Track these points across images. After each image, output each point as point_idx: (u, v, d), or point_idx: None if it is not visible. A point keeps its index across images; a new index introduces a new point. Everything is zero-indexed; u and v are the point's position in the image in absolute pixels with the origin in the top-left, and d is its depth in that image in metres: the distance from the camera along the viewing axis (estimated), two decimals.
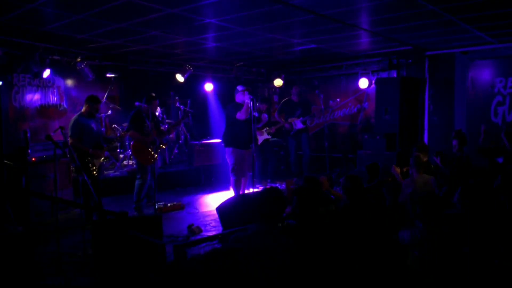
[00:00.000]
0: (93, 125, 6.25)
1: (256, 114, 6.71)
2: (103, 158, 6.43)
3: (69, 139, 5.93)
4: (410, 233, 3.43)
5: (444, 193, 5.27)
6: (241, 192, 6.81)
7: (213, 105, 11.40)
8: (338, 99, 9.35)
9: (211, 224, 6.30)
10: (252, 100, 6.49)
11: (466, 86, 8.34)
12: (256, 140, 8.30)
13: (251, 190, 7.01)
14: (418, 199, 3.70)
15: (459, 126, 8.11)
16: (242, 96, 6.80)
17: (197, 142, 9.56)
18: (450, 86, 8.54)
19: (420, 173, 5.13)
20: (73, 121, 6.12)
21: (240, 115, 6.68)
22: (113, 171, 8.59)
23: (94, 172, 6.16)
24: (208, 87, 10.46)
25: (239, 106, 6.77)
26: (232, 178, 6.96)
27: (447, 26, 6.48)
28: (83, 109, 6.24)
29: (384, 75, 9.48)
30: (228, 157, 6.96)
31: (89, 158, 6.08)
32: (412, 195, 4.80)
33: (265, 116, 8.33)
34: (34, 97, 8.37)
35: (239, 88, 6.92)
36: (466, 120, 8.33)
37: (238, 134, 6.81)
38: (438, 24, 6.37)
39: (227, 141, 7.01)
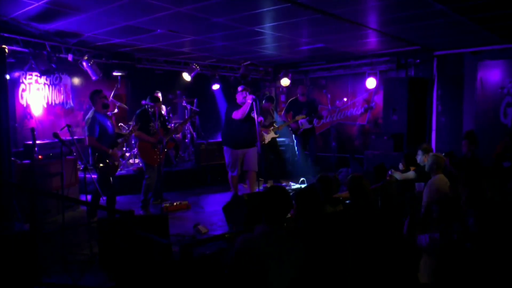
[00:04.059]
0: (108, 123, 6.08)
1: (259, 118, 6.74)
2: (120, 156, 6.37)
3: (87, 138, 5.79)
4: (429, 238, 3.33)
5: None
6: (241, 189, 6.88)
7: (220, 104, 11.39)
8: (345, 99, 9.29)
9: (217, 224, 6.28)
10: (254, 100, 6.51)
11: (475, 86, 8.25)
12: (263, 138, 8.30)
13: (256, 188, 7.03)
14: (436, 202, 3.60)
15: (468, 127, 8.03)
16: (242, 96, 6.82)
17: (203, 141, 9.55)
18: (459, 86, 8.47)
19: (439, 172, 5.00)
20: (90, 119, 5.86)
21: (236, 115, 6.77)
22: (119, 169, 8.57)
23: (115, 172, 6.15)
24: (215, 86, 10.44)
25: (238, 106, 6.85)
26: (228, 174, 7.21)
27: (456, 26, 6.42)
28: (96, 107, 6.00)
29: (392, 74, 9.42)
30: (224, 155, 7.18)
31: (109, 159, 5.96)
32: (429, 197, 4.73)
33: (260, 119, 8.28)
34: (41, 95, 8.39)
35: (239, 88, 7.01)
36: (475, 121, 8.24)
37: (234, 134, 6.93)
38: (447, 24, 6.31)
39: (223, 140, 7.26)
